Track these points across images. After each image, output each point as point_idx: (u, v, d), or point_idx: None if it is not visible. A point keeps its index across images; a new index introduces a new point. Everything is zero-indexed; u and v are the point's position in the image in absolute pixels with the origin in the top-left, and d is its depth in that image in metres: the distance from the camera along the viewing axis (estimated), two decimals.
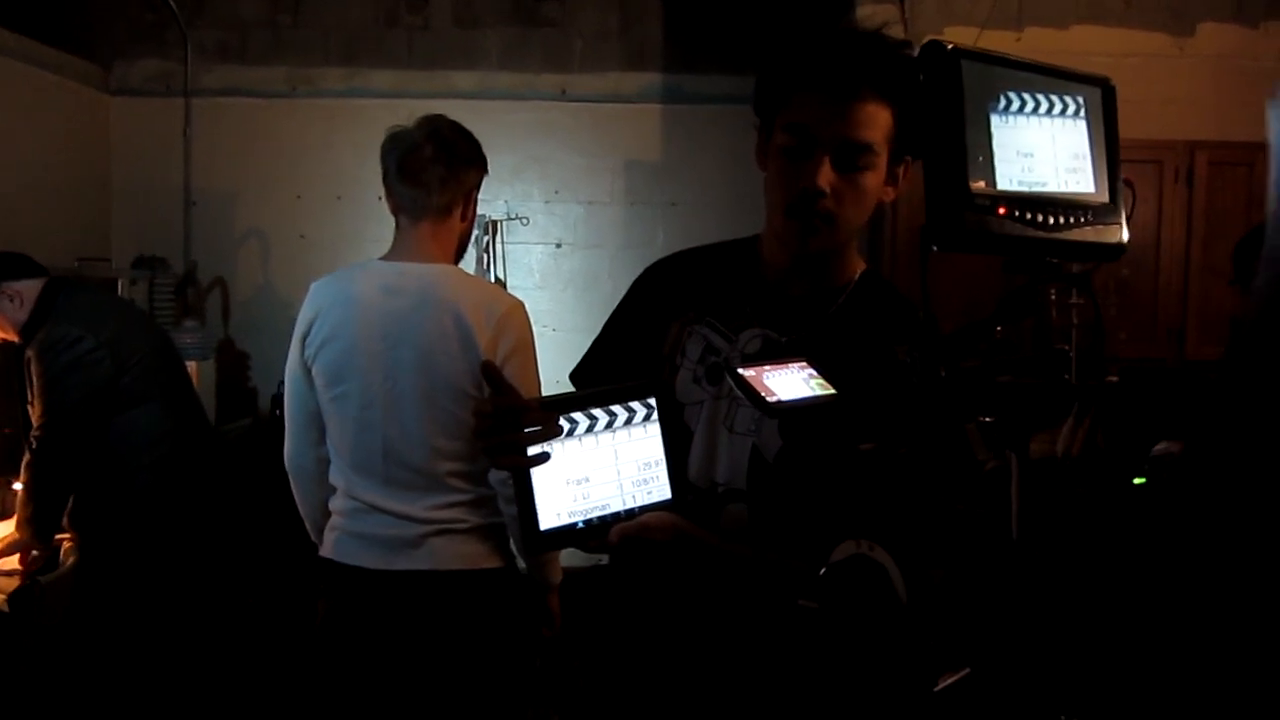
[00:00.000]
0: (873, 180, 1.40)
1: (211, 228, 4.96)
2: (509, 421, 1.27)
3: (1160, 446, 1.00)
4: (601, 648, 1.63)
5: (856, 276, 1.53)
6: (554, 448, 1.28)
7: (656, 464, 1.37)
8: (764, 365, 1.21)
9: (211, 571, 3.13)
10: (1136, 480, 0.97)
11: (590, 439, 1.32)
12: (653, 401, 1.37)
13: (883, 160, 1.40)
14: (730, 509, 1.46)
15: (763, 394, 1.17)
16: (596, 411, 1.33)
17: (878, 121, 1.37)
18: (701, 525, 1.38)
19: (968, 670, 0.91)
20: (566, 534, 1.30)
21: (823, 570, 1.07)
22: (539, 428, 1.27)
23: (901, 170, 1.45)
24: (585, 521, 1.31)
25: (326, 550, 2.24)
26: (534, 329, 2.25)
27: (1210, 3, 4.21)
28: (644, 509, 1.34)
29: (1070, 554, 0.99)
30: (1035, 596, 0.96)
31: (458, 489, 2.16)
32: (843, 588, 1.05)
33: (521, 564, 2.29)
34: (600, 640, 1.64)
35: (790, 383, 1.21)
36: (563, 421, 1.29)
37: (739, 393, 1.18)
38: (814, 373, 1.24)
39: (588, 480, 1.32)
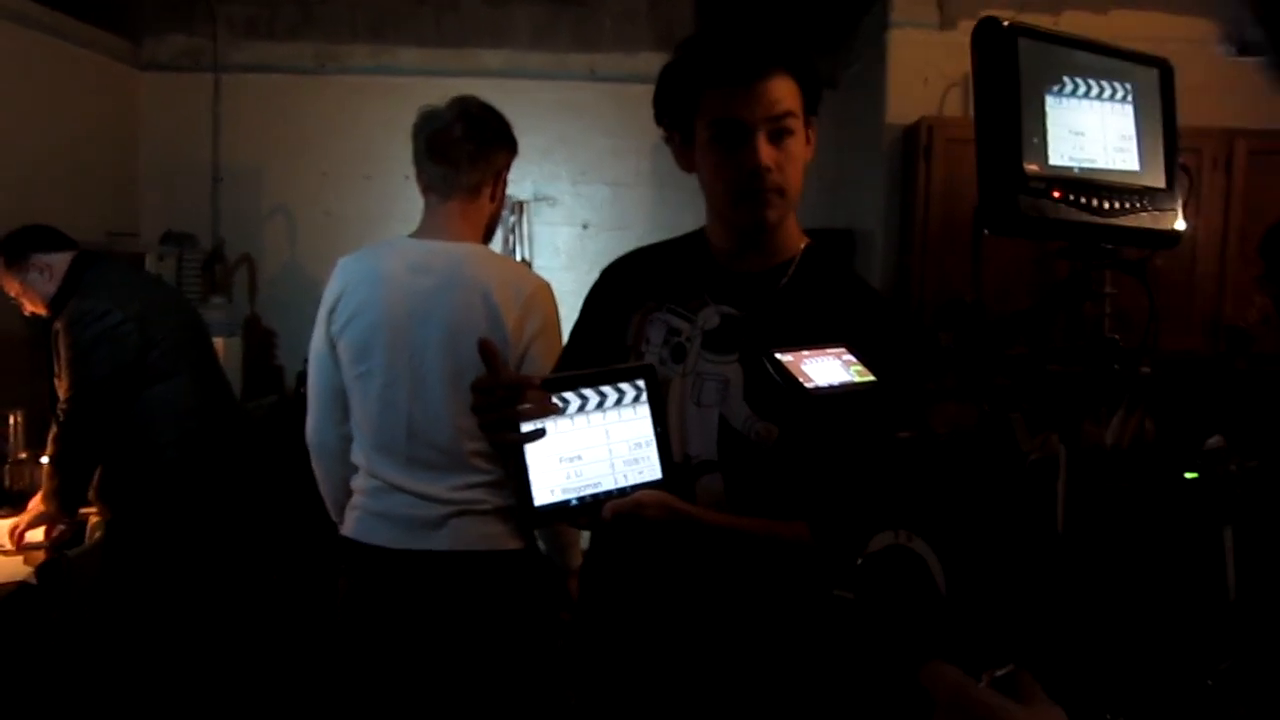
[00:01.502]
0: (798, 145, 1.53)
1: (239, 204, 4.96)
2: (506, 398, 1.31)
3: (1213, 440, 0.97)
4: (601, 626, 1.67)
5: (801, 249, 1.63)
6: (548, 426, 1.32)
7: (647, 444, 1.42)
8: (802, 351, 1.19)
9: (236, 548, 3.14)
10: (1188, 475, 0.94)
11: (582, 418, 1.37)
12: (642, 383, 1.43)
13: (800, 124, 1.53)
14: (704, 480, 1.53)
15: (800, 380, 1.15)
16: (588, 391, 1.38)
17: (788, 92, 1.51)
18: (679, 495, 1.43)
19: (1012, 666, 0.89)
20: (560, 510, 1.34)
21: (860, 560, 1.05)
22: (534, 406, 1.31)
23: (811, 131, 1.58)
24: (578, 499, 1.35)
25: (348, 529, 2.23)
26: (560, 310, 2.23)
27: None
28: (635, 488, 1.39)
29: (1118, 549, 0.97)
30: (1081, 591, 0.93)
31: (481, 469, 2.15)
32: (881, 579, 1.03)
33: (542, 546, 2.28)
34: (598, 619, 1.67)
35: (828, 368, 1.19)
36: (556, 401, 1.33)
37: (777, 378, 1.16)
38: (853, 359, 1.22)
39: (580, 459, 1.36)
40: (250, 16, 4.96)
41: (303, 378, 3.57)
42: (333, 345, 2.20)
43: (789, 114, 1.50)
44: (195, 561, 3.02)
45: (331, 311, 2.20)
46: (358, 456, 2.22)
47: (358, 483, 2.23)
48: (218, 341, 3.55)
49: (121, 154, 4.83)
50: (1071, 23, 4.04)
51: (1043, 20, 3.90)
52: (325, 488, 2.33)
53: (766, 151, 1.49)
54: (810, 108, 1.56)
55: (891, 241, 4.09)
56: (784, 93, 1.50)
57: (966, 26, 3.99)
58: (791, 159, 1.52)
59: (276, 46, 4.96)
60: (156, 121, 4.94)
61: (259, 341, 4.92)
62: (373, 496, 2.19)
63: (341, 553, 2.24)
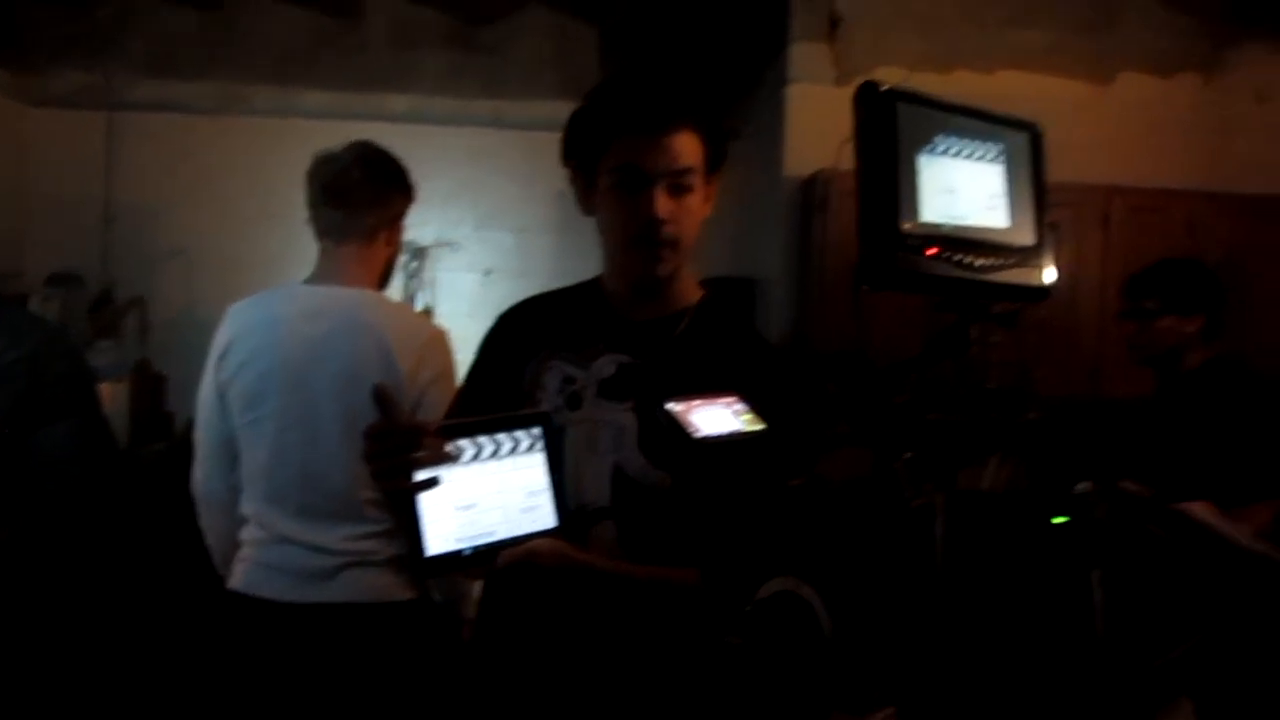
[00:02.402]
0: (697, 201, 1.56)
1: (132, 245, 4.84)
2: (401, 445, 1.29)
3: (1082, 485, 1.02)
4: (494, 675, 1.64)
5: (696, 299, 1.66)
6: (442, 474, 1.30)
7: (541, 492, 1.41)
8: (693, 400, 1.21)
9: (117, 601, 3.03)
10: (1057, 519, 0.99)
11: (477, 466, 1.35)
12: (538, 431, 1.42)
13: (701, 181, 1.56)
14: (598, 528, 1.53)
15: (689, 428, 1.17)
16: (484, 439, 1.36)
17: (693, 148, 1.53)
18: (574, 544, 1.43)
19: (893, 710, 0.91)
20: (453, 560, 1.32)
21: (749, 607, 1.07)
22: (428, 452, 1.29)
23: (712, 189, 1.60)
24: (472, 548, 1.34)
25: (235, 582, 2.17)
26: (462, 357, 2.23)
27: (1127, 53, 4.35)
28: (529, 536, 1.37)
29: (993, 590, 1.00)
30: (960, 631, 0.96)
31: (375, 518, 2.11)
32: (769, 625, 1.05)
33: (437, 595, 2.25)
34: (492, 668, 1.65)
35: (718, 417, 1.21)
36: (451, 448, 1.31)
37: (666, 427, 1.18)
38: (743, 407, 1.24)
39: (475, 507, 1.34)
40: (149, 54, 4.87)
41: (193, 424, 3.48)
42: (221, 393, 2.15)
43: (690, 170, 1.53)
44: (77, 612, 2.90)
45: (221, 359, 2.16)
46: (246, 507, 2.17)
47: (246, 534, 2.17)
48: (104, 387, 3.45)
49: (10, 191, 4.68)
50: (960, 82, 4.21)
51: (932, 79, 4.09)
52: (212, 539, 2.27)
53: (664, 203, 1.51)
54: (713, 166, 1.58)
55: (791, 291, 4.18)
56: (688, 148, 1.53)
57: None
58: (688, 213, 1.54)
59: (177, 85, 4.88)
60: (48, 159, 4.81)
61: (149, 386, 4.77)
62: (262, 548, 2.14)
63: (229, 607, 2.18)
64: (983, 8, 4.26)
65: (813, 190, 3.97)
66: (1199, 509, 1.33)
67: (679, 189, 1.53)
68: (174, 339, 4.81)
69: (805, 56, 4.18)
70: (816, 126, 4.10)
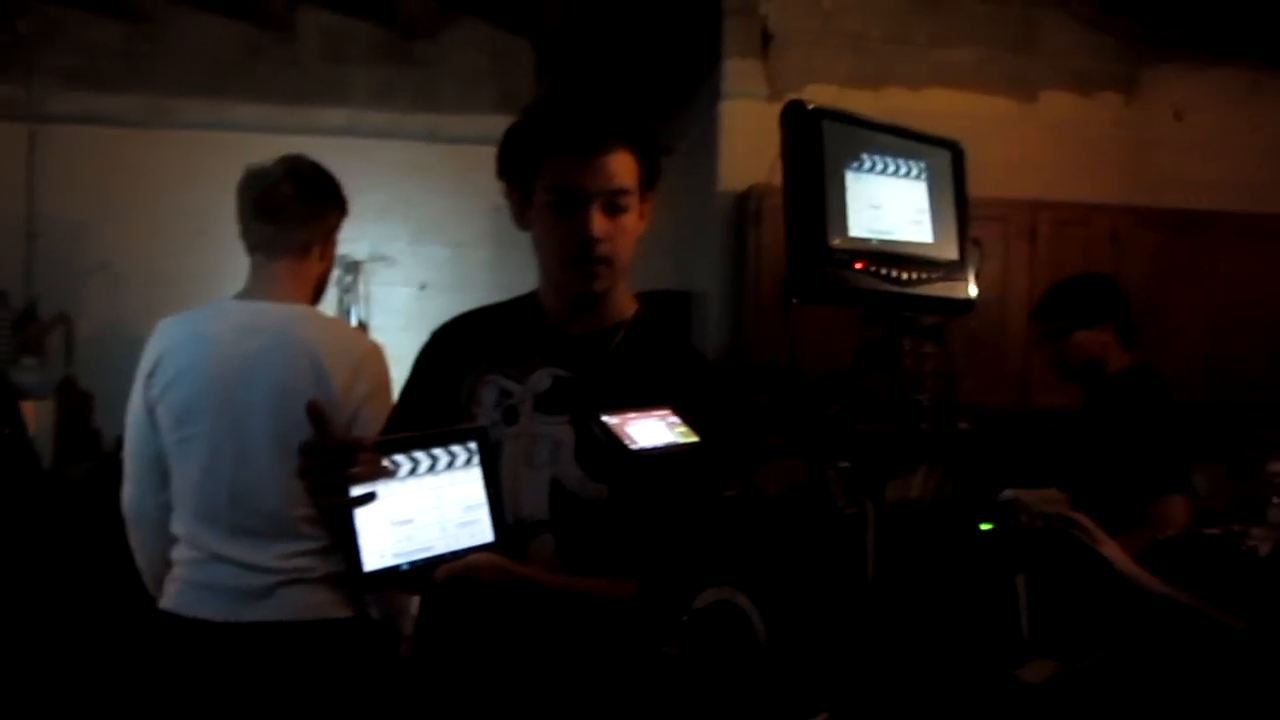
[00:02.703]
0: (632, 220, 1.58)
1: (57, 261, 4.72)
2: (335, 460, 1.29)
3: (1007, 493, 1.05)
4: (432, 691, 1.64)
5: (631, 314, 1.68)
6: (379, 489, 1.30)
7: (479, 506, 1.41)
8: (628, 413, 1.22)
9: (47, 622, 2.95)
10: (983, 526, 1.01)
11: (414, 481, 1.36)
12: (474, 445, 1.42)
13: (636, 200, 1.58)
14: (536, 541, 1.54)
15: (625, 441, 1.18)
16: (420, 454, 1.37)
17: (627, 168, 1.55)
18: (512, 557, 1.44)
19: (827, 715, 0.93)
20: (390, 575, 1.32)
21: (686, 617, 1.08)
22: (364, 468, 1.29)
23: (647, 205, 1.62)
24: (410, 563, 1.34)
25: (167, 602, 2.13)
26: (397, 372, 2.22)
27: (1050, 72, 4.47)
28: (467, 551, 1.38)
29: (923, 595, 1.02)
30: (891, 636, 0.98)
31: (309, 535, 2.09)
32: (705, 634, 1.06)
33: (375, 612, 2.23)
34: (430, 683, 1.65)
35: (653, 430, 1.22)
36: (387, 463, 1.31)
37: (602, 440, 1.19)
38: (677, 420, 1.26)
39: (412, 522, 1.35)
40: (71, 66, 4.78)
41: (121, 442, 3.41)
42: (151, 410, 2.12)
43: (625, 190, 1.55)
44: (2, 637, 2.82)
45: (150, 375, 2.12)
46: (178, 526, 2.13)
47: (178, 553, 2.13)
48: (28, 405, 3.37)
49: None
50: (890, 99, 4.29)
51: (863, 96, 4.15)
52: (142, 559, 2.22)
53: (599, 223, 1.53)
54: (648, 183, 1.60)
55: (726, 304, 4.22)
56: (623, 167, 1.54)
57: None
58: (623, 232, 1.56)
59: (101, 98, 4.78)
60: None
61: (75, 404, 4.66)
62: (194, 567, 2.10)
63: (160, 627, 2.13)
64: (911, 27, 4.35)
65: (747, 204, 4.01)
66: (1087, 523, 1.37)
67: (614, 208, 1.54)
68: (100, 356, 4.70)
69: (738, 73, 4.23)
70: (750, 142, 4.15)
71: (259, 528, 2.08)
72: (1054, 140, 4.45)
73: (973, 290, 1.05)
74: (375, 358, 2.18)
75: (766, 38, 4.22)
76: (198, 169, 4.73)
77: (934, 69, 4.38)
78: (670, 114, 5.01)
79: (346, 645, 2.13)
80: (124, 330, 4.71)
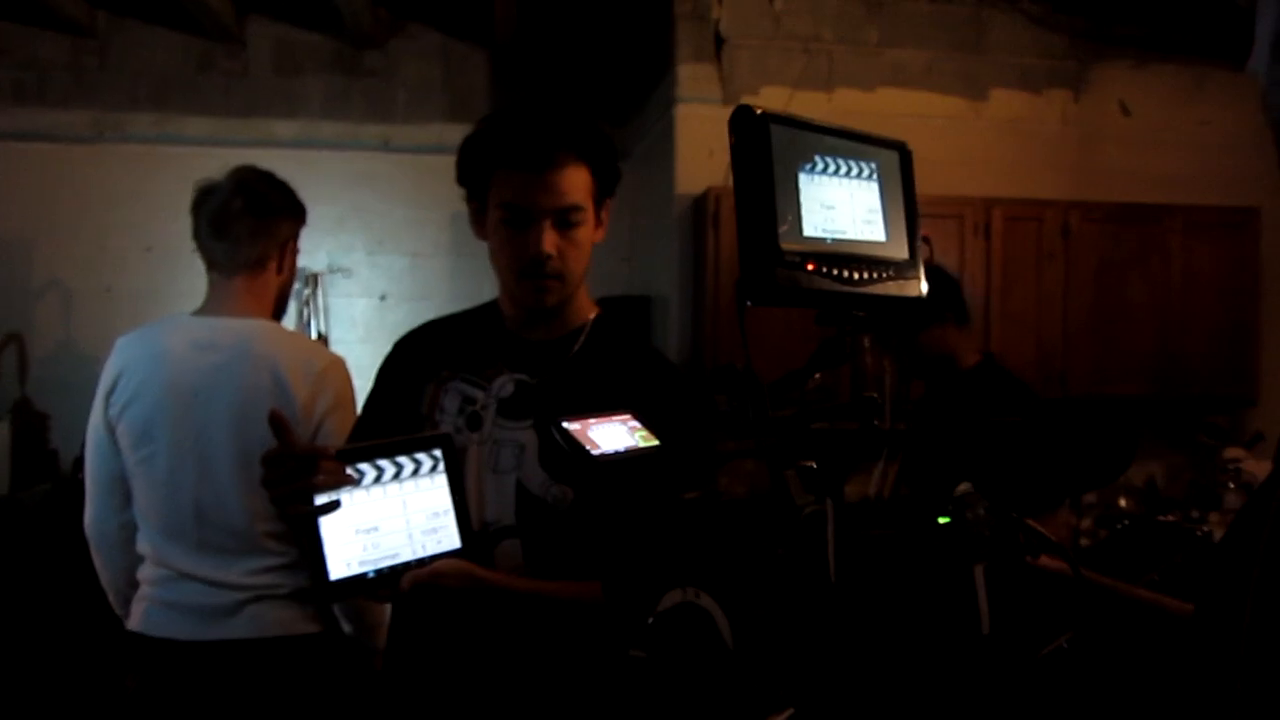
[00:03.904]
0: (586, 232, 1.59)
1: (7, 280, 4.66)
2: (297, 469, 1.29)
3: (962, 486, 1.06)
4: (405, 700, 1.64)
5: (591, 318, 1.69)
6: (343, 497, 1.31)
7: (445, 513, 1.42)
8: (589, 418, 1.23)
9: (9, 647, 2.91)
10: (941, 520, 1.03)
11: (379, 489, 1.36)
12: (439, 452, 1.43)
13: (590, 212, 1.59)
14: (503, 546, 1.55)
15: (586, 446, 1.19)
16: (384, 462, 1.37)
17: (579, 182, 1.56)
18: (479, 563, 1.45)
19: (791, 711, 0.94)
20: (357, 583, 1.33)
21: (650, 619, 1.08)
22: (327, 476, 1.30)
23: (604, 213, 1.64)
24: (376, 571, 1.34)
25: (135, 623, 2.11)
26: (358, 384, 2.20)
27: (999, 71, 4.54)
28: (434, 558, 1.39)
29: (885, 592, 1.03)
30: (854, 635, 0.99)
31: (275, 551, 2.08)
32: (671, 636, 1.07)
33: (347, 627, 2.21)
34: (403, 692, 1.65)
35: (614, 434, 1.23)
36: (351, 471, 1.31)
37: (564, 446, 1.19)
38: (638, 424, 1.26)
39: (377, 530, 1.35)
40: (16, 81, 4.72)
41: (80, 463, 3.36)
42: (111, 429, 2.10)
43: (576, 206, 1.56)
44: None
45: (109, 394, 2.10)
46: (143, 545, 2.11)
47: (144, 573, 2.11)
48: None
49: None
50: (843, 100, 4.33)
51: (816, 98, 4.18)
52: (107, 579, 2.20)
53: (550, 239, 1.55)
54: (603, 193, 1.61)
55: (685, 307, 4.24)
56: (574, 183, 1.55)
57: (748, 102, 4.23)
58: (575, 246, 1.58)
59: (48, 114, 4.73)
60: None
61: (31, 425, 4.59)
62: (161, 586, 2.08)
63: (128, 648, 2.11)
64: (862, 29, 4.40)
65: (704, 208, 4.03)
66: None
67: (566, 224, 1.56)
68: (54, 375, 4.64)
69: (692, 77, 4.25)
70: (706, 145, 4.17)
71: (225, 544, 2.06)
72: (1005, 137, 4.52)
73: (923, 289, 1.06)
74: (337, 371, 2.17)
75: (719, 41, 4.25)
76: (147, 185, 4.69)
77: (886, 70, 4.42)
78: (626, 119, 5.02)
79: (316, 661, 2.12)
80: (77, 349, 4.65)
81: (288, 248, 2.22)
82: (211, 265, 2.17)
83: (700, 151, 4.20)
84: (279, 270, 2.21)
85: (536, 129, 1.55)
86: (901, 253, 1.04)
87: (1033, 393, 2.90)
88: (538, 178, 1.53)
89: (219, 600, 2.05)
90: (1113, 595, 1.33)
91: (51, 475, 4.54)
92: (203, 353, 2.08)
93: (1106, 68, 4.65)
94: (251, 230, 2.13)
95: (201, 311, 2.16)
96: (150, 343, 2.12)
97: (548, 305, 1.62)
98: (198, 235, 2.16)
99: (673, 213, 4.27)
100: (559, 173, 1.53)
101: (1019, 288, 4.21)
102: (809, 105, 4.21)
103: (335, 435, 2.09)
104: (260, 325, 2.15)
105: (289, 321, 2.31)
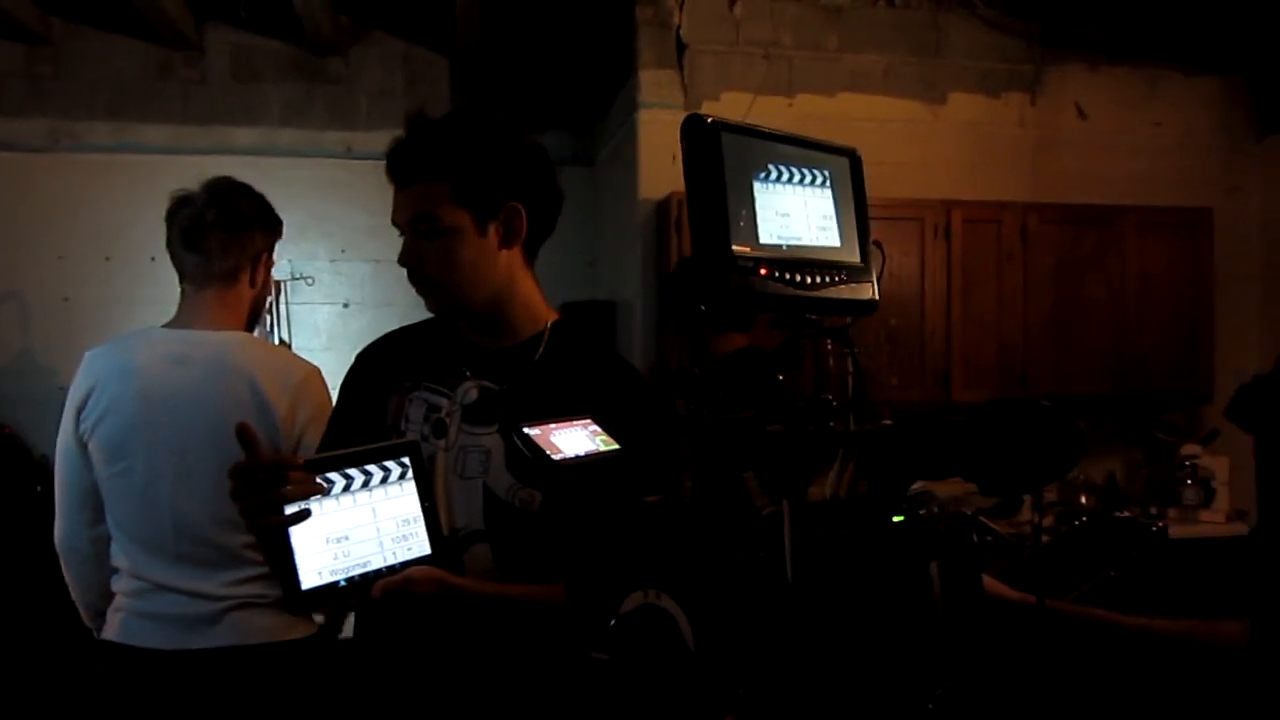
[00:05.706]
0: (452, 244, 1.59)
1: None
2: (266, 480, 1.30)
3: (916, 485, 1.08)
4: (372, 706, 1.64)
5: (549, 324, 1.70)
6: (313, 507, 1.32)
7: (414, 520, 1.44)
8: (550, 424, 1.24)
9: None
10: (896, 518, 1.05)
11: (348, 498, 1.38)
12: (407, 460, 1.45)
13: (459, 221, 1.59)
14: (472, 550, 1.57)
15: (549, 452, 1.20)
16: (353, 471, 1.39)
17: (434, 196, 1.59)
18: (449, 569, 1.47)
19: (733, 716, 0.95)
20: (328, 592, 1.35)
21: (613, 622, 1.09)
22: (295, 486, 1.31)
23: (504, 218, 1.62)
24: (347, 579, 1.36)
25: (111, 633, 2.09)
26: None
27: (957, 75, 4.59)
28: (405, 564, 1.41)
29: (841, 589, 1.05)
30: (812, 635, 1.01)
31: (255, 562, 2.06)
32: (633, 638, 1.08)
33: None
34: (369, 699, 1.65)
35: (575, 439, 1.24)
36: (320, 481, 1.33)
37: (526, 452, 1.21)
38: (599, 429, 1.28)
39: (348, 538, 1.37)
40: None
41: (41, 475, 3.33)
42: (84, 444, 2.08)
43: (427, 216, 1.58)
44: None
45: (80, 408, 2.08)
46: (119, 558, 2.09)
47: (120, 585, 2.10)
48: None
49: None
50: (804, 105, 4.37)
51: (777, 104, 4.20)
52: (77, 593, 2.18)
53: (409, 249, 1.62)
54: (477, 202, 1.59)
55: (650, 312, 4.25)
56: (429, 197, 1.59)
57: (710, 107, 4.24)
58: (444, 254, 1.59)
59: (2, 123, 4.67)
60: None
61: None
62: (139, 598, 2.06)
63: (102, 659, 2.08)
64: (821, 35, 4.44)
65: (667, 212, 4.05)
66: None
67: (430, 234, 1.59)
68: (12, 388, 4.58)
69: (654, 83, 4.27)
70: (669, 150, 4.19)
71: (205, 556, 2.05)
72: (964, 140, 4.57)
73: (875, 292, 1.08)
74: (315, 381, 2.17)
75: (681, 47, 4.27)
76: (105, 193, 4.65)
77: (845, 75, 4.46)
78: (589, 125, 5.03)
79: (303, 666, 2.11)
80: (35, 361, 4.59)
81: (261, 261, 2.20)
82: (184, 277, 2.15)
83: (663, 157, 4.21)
84: (251, 284, 2.19)
85: (399, 147, 1.63)
86: (854, 256, 1.06)
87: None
88: (400, 191, 1.63)
89: (200, 610, 2.04)
90: (1066, 619, 1.35)
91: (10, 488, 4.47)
92: (177, 366, 2.07)
93: (1062, 71, 4.72)
94: (224, 243, 2.12)
95: (173, 324, 2.14)
96: (121, 356, 2.10)
97: (434, 310, 1.67)
98: (170, 245, 2.15)
99: (636, 218, 4.28)
100: (414, 188, 1.60)
101: (979, 289, 4.26)
102: (770, 110, 4.24)
103: (317, 445, 2.08)
104: (235, 337, 2.14)
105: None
